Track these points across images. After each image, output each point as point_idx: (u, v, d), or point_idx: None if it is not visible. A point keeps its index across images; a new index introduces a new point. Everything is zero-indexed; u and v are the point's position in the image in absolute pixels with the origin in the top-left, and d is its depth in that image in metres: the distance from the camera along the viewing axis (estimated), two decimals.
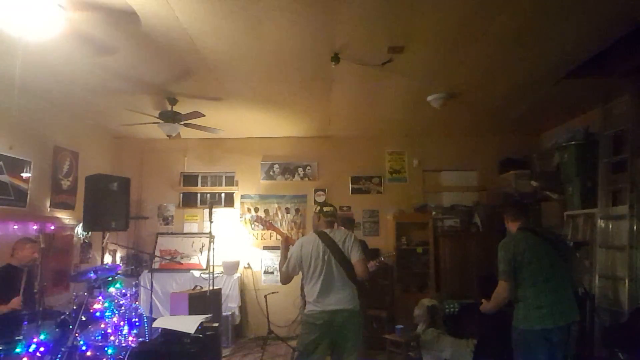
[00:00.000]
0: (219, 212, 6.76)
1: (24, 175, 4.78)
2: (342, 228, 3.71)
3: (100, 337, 3.97)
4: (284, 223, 6.85)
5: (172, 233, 6.81)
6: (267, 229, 6.57)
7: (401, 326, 5.05)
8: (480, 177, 6.87)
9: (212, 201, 6.79)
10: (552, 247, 3.10)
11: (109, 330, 4.09)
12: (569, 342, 3.01)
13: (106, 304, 4.19)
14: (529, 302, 2.95)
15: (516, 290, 3.01)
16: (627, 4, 3.14)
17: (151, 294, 5.08)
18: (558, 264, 3.06)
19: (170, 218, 6.92)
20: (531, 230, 3.19)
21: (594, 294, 4.53)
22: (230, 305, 6.16)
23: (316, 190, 6.90)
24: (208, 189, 7.10)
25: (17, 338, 3.28)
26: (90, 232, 5.86)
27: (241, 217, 6.89)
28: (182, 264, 6.45)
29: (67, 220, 5.58)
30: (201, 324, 3.93)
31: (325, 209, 3.44)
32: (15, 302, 3.61)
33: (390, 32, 3.55)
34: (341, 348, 3.12)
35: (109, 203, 5.23)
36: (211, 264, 5.39)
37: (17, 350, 3.22)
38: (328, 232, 3.30)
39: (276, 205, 6.92)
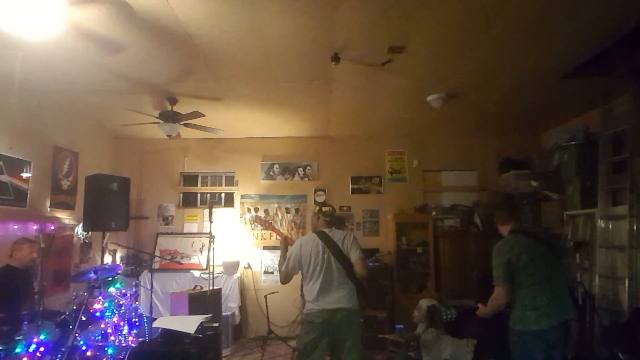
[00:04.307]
0: (219, 212, 6.75)
1: (24, 175, 4.77)
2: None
3: (100, 337, 3.98)
4: (284, 223, 6.85)
5: (172, 233, 6.81)
6: (267, 230, 6.57)
7: (401, 326, 5.05)
8: (480, 177, 6.87)
9: (212, 201, 6.79)
10: (546, 248, 3.09)
11: (109, 330, 4.09)
12: (568, 341, 3.01)
13: (106, 304, 4.19)
14: (525, 304, 2.95)
15: (513, 293, 3.01)
16: (627, 4, 3.14)
17: (151, 294, 5.08)
18: (553, 264, 3.06)
19: (170, 218, 6.92)
20: (523, 233, 3.18)
21: (594, 294, 4.53)
22: (230, 305, 6.16)
23: (316, 190, 6.90)
24: (208, 189, 7.09)
25: (17, 338, 3.27)
26: (90, 232, 5.86)
27: (241, 217, 6.88)
28: (182, 264, 6.45)
29: (67, 220, 5.57)
30: (201, 324, 3.93)
31: (324, 209, 3.45)
32: None
33: (390, 32, 3.55)
34: (340, 347, 3.12)
35: (109, 203, 5.22)
36: (211, 264, 5.40)
37: (17, 350, 3.21)
38: (327, 232, 3.30)
39: (276, 205, 6.92)
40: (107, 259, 6.10)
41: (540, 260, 3.01)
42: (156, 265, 6.18)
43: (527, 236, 3.14)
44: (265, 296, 5.97)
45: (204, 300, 5.18)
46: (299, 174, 6.98)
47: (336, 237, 3.26)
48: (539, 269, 2.99)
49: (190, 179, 7.15)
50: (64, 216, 5.53)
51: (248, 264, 6.74)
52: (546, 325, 2.88)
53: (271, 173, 7.00)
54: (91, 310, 4.00)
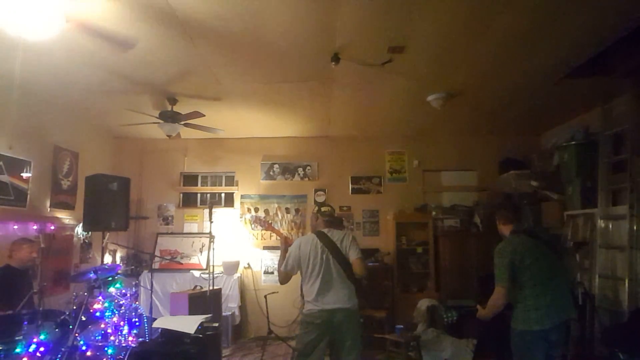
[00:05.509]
0: (219, 212, 6.75)
1: (24, 175, 4.77)
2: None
3: (100, 337, 3.96)
4: (284, 223, 6.85)
5: (172, 233, 6.81)
6: (266, 230, 6.57)
7: (401, 326, 5.05)
8: (480, 177, 6.86)
9: (212, 201, 6.78)
10: (547, 248, 3.10)
11: (109, 330, 4.08)
12: (568, 341, 3.02)
13: (106, 304, 4.18)
14: (527, 304, 2.95)
15: (515, 293, 3.01)
16: (627, 4, 3.14)
17: (151, 294, 5.08)
18: (555, 264, 3.07)
19: (170, 218, 6.92)
20: (525, 233, 3.18)
21: (594, 294, 4.53)
22: (230, 305, 6.16)
23: (316, 190, 6.90)
24: (208, 189, 7.10)
25: (17, 338, 3.26)
26: (90, 232, 5.86)
27: (241, 217, 6.88)
28: (182, 264, 6.45)
29: (67, 220, 5.57)
30: (201, 324, 3.93)
31: (323, 209, 3.46)
32: None
33: (390, 32, 3.55)
34: (340, 347, 3.13)
35: (109, 203, 5.22)
36: (211, 264, 5.39)
37: (17, 350, 3.21)
38: (326, 232, 3.30)
39: (276, 205, 6.92)
40: (107, 259, 6.10)
41: (542, 260, 3.02)
42: (156, 265, 6.18)
43: (529, 237, 3.14)
44: (265, 296, 5.97)
45: (204, 300, 5.17)
46: (299, 174, 6.98)
47: (335, 237, 3.26)
48: (542, 270, 2.99)
49: (190, 179, 7.15)
50: (64, 216, 5.53)
51: (248, 264, 6.75)
52: (548, 325, 2.89)
53: (271, 173, 7.00)
54: (91, 310, 3.99)
